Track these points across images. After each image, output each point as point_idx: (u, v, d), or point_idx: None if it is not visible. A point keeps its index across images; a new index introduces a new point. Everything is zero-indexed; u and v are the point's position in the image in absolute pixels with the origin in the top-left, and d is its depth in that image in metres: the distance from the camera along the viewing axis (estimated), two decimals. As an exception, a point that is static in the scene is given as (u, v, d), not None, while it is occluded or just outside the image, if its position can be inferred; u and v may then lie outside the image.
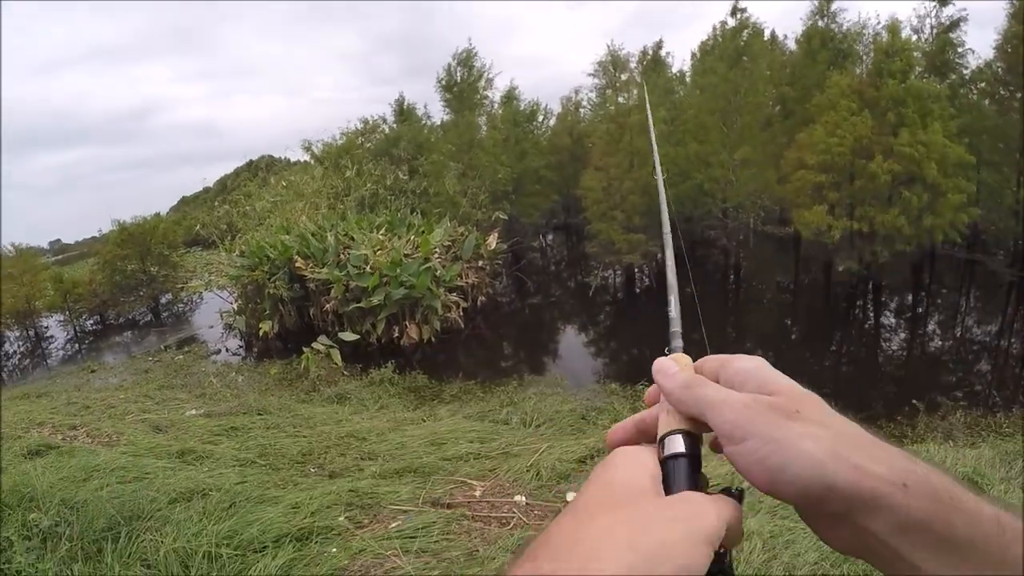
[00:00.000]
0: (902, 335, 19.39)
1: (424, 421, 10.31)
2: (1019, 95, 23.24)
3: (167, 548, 4.32)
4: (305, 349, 15.91)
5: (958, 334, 19.08)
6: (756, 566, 4.31)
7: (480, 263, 21.89)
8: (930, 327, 19.91)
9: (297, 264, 19.07)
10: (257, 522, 4.86)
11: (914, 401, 12.48)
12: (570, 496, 5.96)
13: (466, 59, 30.19)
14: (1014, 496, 6.50)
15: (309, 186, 28.76)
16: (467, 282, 20.51)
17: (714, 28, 27.17)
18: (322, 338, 16.58)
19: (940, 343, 18.40)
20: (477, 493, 6.15)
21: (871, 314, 21.89)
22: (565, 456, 7.20)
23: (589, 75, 28.44)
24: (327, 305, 18.50)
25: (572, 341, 20.64)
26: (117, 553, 4.32)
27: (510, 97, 32.16)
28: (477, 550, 4.67)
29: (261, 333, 19.21)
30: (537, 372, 16.40)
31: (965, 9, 24.90)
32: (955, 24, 25.22)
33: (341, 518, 5.25)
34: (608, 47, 26.86)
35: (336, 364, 15.80)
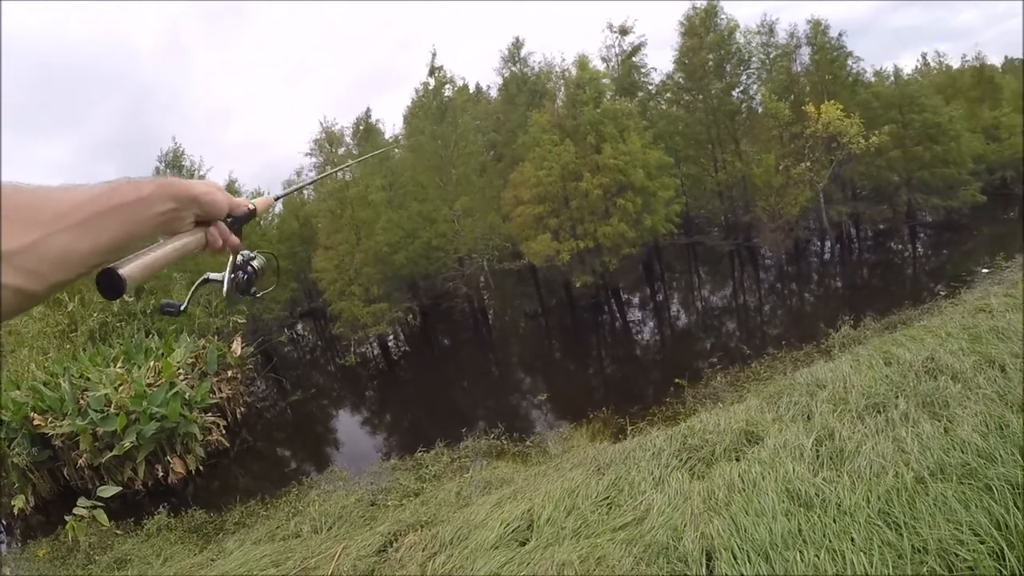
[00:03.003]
0: (651, 324, 20.78)
1: (213, 561, 9.51)
2: (700, 97, 26.43)
3: None
4: (67, 517, 13.46)
5: (699, 307, 20.65)
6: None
7: (230, 373, 20.37)
8: (673, 309, 21.44)
9: (36, 422, 16.66)
10: None
11: (677, 380, 12.89)
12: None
13: (174, 159, 28.24)
14: (790, 432, 6.47)
15: (30, 328, 24.84)
16: (221, 397, 18.94)
17: (416, 90, 27.48)
18: (82, 500, 14.21)
19: (686, 319, 19.84)
20: (280, 626, 5.81)
21: (618, 315, 23.22)
22: (363, 551, 7.01)
23: (306, 155, 27.45)
24: (79, 461, 16.19)
25: (346, 426, 19.75)
26: None
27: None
28: None
29: (16, 511, 16.39)
30: (318, 470, 15.55)
31: (644, 35, 28.23)
32: (636, 49, 28.59)
33: None
34: (321, 123, 26.14)
35: (104, 525, 13.66)
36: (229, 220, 1.04)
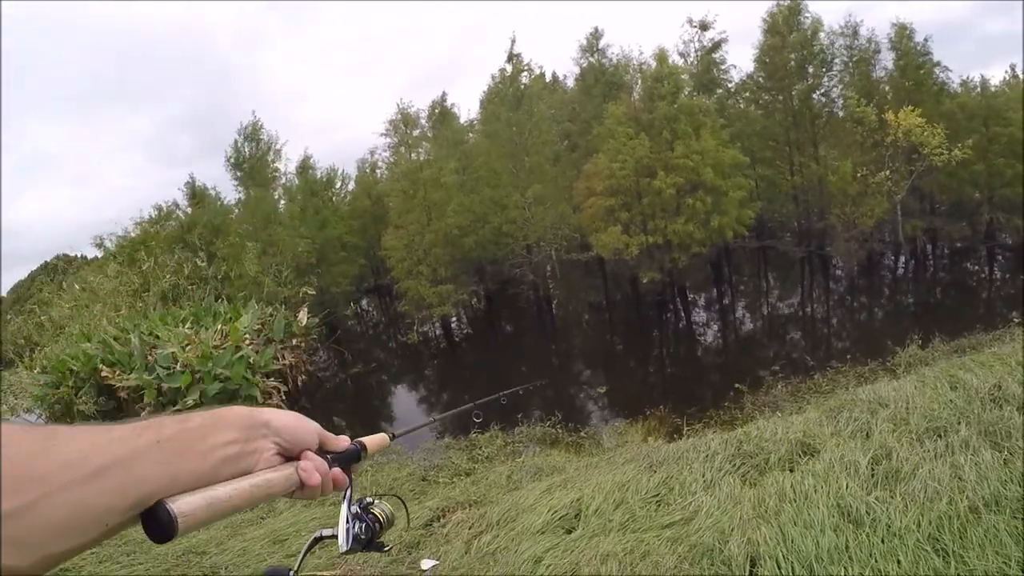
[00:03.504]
0: (715, 326, 20.53)
1: (263, 519, 9.41)
2: (780, 98, 25.85)
3: None
4: (125, 467, 13.99)
5: (765, 313, 20.35)
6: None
7: (295, 342, 20.58)
8: (739, 313, 21.22)
9: (103, 373, 17.11)
10: None
11: (737, 385, 12.80)
12: (425, 564, 5.76)
13: (252, 133, 28.76)
14: (847, 448, 6.42)
15: (105, 285, 25.95)
16: (284, 364, 19.22)
17: (493, 77, 27.53)
18: (140, 452, 14.65)
19: (751, 325, 19.58)
20: (330, 584, 5.99)
21: (682, 314, 22.98)
22: (411, 524, 6.86)
23: (382, 135, 27.91)
24: (143, 413, 16.57)
25: (402, 402, 19.88)
26: None
27: (305, 167, 30.96)
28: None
29: (79, 457, 16.98)
30: (371, 442, 15.62)
31: (724, 31, 27.67)
32: (717, 46, 27.99)
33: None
34: (398, 105, 26.52)
35: (159, 477, 14.09)
36: (330, 457, 0.88)
